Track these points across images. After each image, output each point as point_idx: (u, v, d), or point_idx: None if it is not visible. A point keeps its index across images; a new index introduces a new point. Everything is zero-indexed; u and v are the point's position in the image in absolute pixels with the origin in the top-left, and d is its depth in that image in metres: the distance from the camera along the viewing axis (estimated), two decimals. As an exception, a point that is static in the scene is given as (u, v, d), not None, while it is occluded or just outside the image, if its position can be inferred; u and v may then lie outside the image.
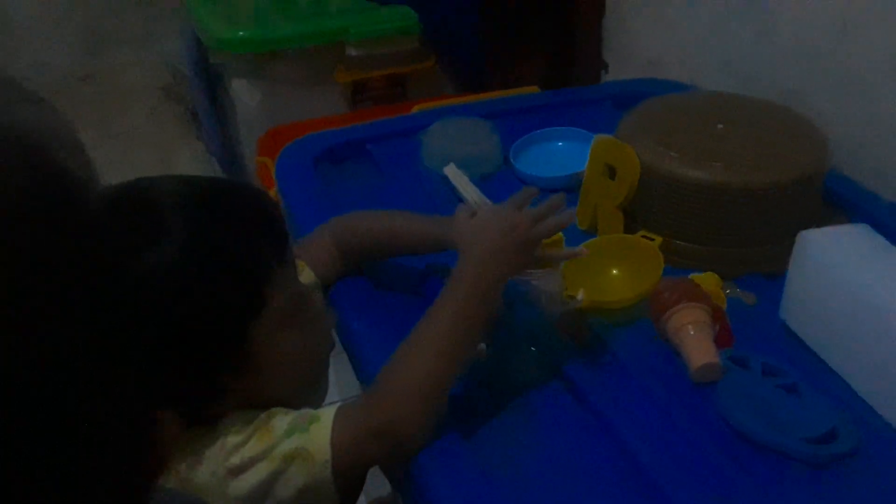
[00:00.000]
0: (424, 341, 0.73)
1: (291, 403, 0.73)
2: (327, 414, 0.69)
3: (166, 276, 0.63)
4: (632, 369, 0.84)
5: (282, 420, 0.68)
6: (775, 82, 1.24)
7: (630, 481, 0.73)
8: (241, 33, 1.81)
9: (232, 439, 0.67)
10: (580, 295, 0.85)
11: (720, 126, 1.04)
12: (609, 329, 0.89)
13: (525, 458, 0.75)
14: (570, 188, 1.13)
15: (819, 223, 0.92)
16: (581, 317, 0.88)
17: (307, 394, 0.78)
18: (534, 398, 0.82)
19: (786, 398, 0.79)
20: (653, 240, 0.97)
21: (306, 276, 0.88)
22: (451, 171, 1.15)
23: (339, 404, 0.70)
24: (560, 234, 0.86)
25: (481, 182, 1.14)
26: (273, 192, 1.38)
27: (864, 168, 1.11)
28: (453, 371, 0.73)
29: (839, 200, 1.06)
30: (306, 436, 0.67)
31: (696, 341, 0.82)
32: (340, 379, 1.10)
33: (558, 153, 1.23)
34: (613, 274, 0.95)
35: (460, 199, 1.12)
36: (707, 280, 0.92)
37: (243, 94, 1.87)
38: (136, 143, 2.57)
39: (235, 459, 0.66)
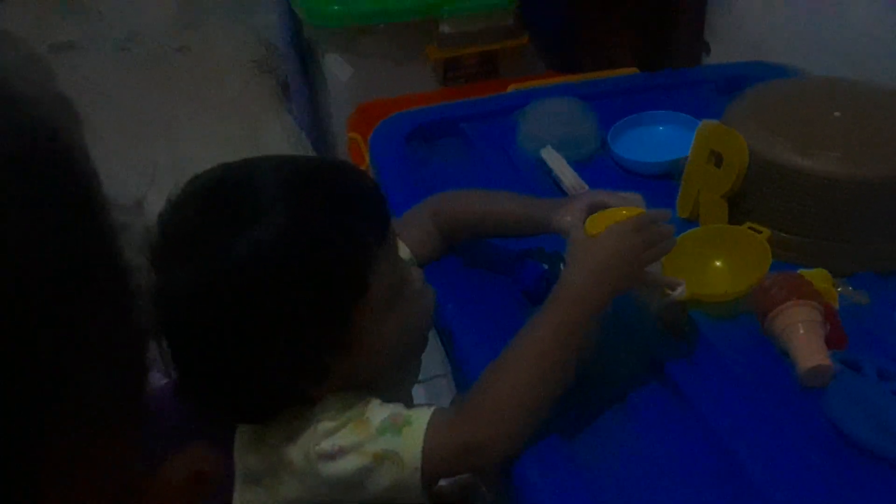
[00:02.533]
0: (525, 357, 0.71)
1: (388, 382, 0.73)
2: (421, 419, 0.68)
3: (266, 259, 0.63)
4: (734, 367, 0.81)
5: (377, 415, 0.68)
6: (895, 69, 1.17)
7: (729, 485, 0.70)
8: (335, 7, 1.81)
9: (325, 424, 0.67)
10: (681, 287, 0.82)
11: (836, 114, 0.98)
12: (710, 324, 0.86)
13: (621, 455, 0.74)
14: (671, 174, 1.09)
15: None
16: (681, 309, 0.85)
17: (404, 373, 0.77)
18: (631, 393, 0.80)
19: (901, 406, 0.75)
20: (760, 232, 0.92)
21: (402, 254, 0.88)
22: (548, 154, 1.12)
23: (433, 409, 0.69)
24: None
25: (578, 165, 1.12)
26: (364, 169, 1.38)
27: None
28: (553, 391, 0.71)
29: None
30: (399, 439, 0.67)
31: (805, 341, 0.78)
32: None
33: (658, 137, 1.19)
34: (716, 266, 0.92)
35: (556, 183, 1.10)
36: (817, 277, 0.88)
37: (335, 68, 1.88)
38: (228, 115, 2.62)
39: (327, 445, 0.66)
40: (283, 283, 0.63)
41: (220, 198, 0.66)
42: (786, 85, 1.11)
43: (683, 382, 0.79)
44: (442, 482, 0.79)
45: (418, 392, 1.39)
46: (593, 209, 0.82)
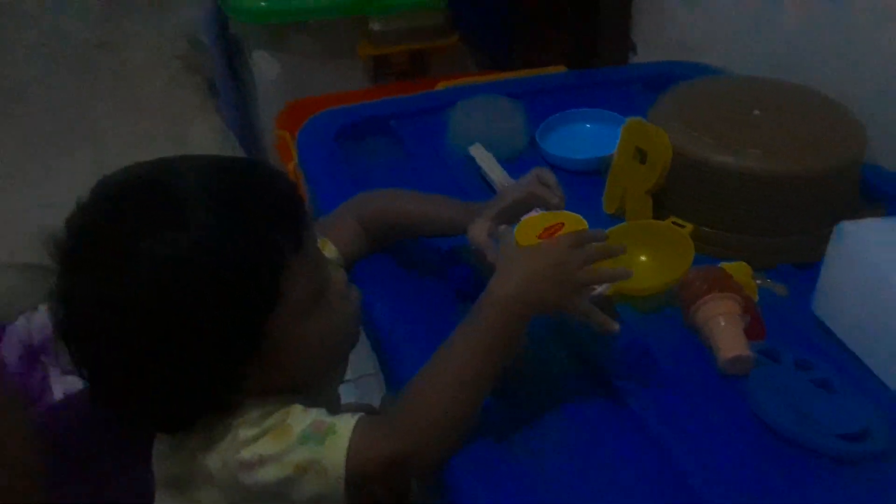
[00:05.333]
0: (449, 368, 0.70)
1: (312, 385, 0.71)
2: (345, 428, 0.67)
3: (175, 268, 0.61)
4: (659, 359, 0.82)
5: (298, 422, 0.66)
6: (812, 69, 1.21)
7: (657, 473, 0.71)
8: (262, 3, 1.79)
9: (245, 432, 0.65)
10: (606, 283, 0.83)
11: (756, 112, 1.01)
12: (636, 317, 0.87)
13: (552, 449, 0.74)
14: (598, 171, 1.11)
15: (855, 215, 0.89)
16: (607, 304, 0.86)
17: (329, 375, 0.76)
18: (560, 387, 0.81)
19: (818, 393, 0.77)
20: (683, 226, 0.94)
21: (328, 253, 0.87)
22: (477, 151, 1.13)
23: (358, 417, 0.68)
24: (584, 223, 0.82)
25: (507, 163, 1.12)
26: (292, 166, 1.36)
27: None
28: (478, 400, 0.71)
29: (877, 193, 1.03)
30: (321, 449, 0.65)
31: (726, 333, 0.80)
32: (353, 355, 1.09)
33: (586, 135, 1.21)
34: (641, 261, 0.93)
35: (485, 180, 1.10)
36: (738, 270, 0.90)
37: (263, 65, 1.85)
38: (152, 114, 2.53)
39: (247, 454, 0.65)
40: (192, 292, 0.61)
41: (129, 201, 0.64)
42: (708, 83, 1.14)
43: (610, 374, 0.80)
44: None
45: (348, 389, 1.38)
46: (506, 213, 0.83)
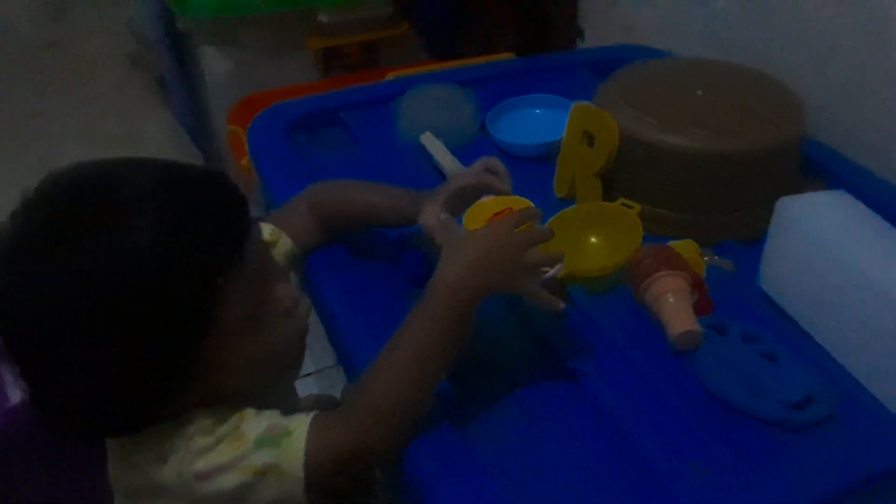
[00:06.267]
0: (401, 355, 0.70)
1: (261, 392, 0.70)
2: (300, 428, 0.66)
3: (112, 278, 0.59)
4: (611, 337, 0.84)
5: (252, 427, 0.66)
6: (754, 49, 1.23)
7: (611, 447, 0.73)
8: (207, -3, 1.76)
9: (199, 441, 0.65)
10: (559, 265, 0.84)
11: (699, 92, 1.03)
12: (588, 298, 0.89)
13: (508, 430, 0.75)
14: (548, 156, 1.12)
15: (797, 189, 0.92)
16: (559, 286, 0.87)
17: (278, 381, 0.75)
18: (514, 368, 0.82)
19: (764, 364, 0.79)
20: (632, 207, 0.96)
21: (284, 245, 0.87)
22: (427, 140, 1.13)
23: (312, 416, 0.68)
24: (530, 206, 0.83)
25: (457, 150, 1.13)
26: (245, 162, 1.35)
27: (840, 135, 1.11)
28: (431, 387, 0.71)
29: (817, 167, 1.06)
30: (278, 451, 0.65)
31: (675, 309, 0.82)
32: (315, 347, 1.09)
33: (535, 120, 1.22)
34: (592, 242, 0.95)
35: (437, 168, 1.11)
36: (686, 247, 0.92)
37: (212, 61, 1.83)
38: (102, 112, 2.51)
39: (201, 465, 0.64)
40: (123, 303, 0.59)
41: (74, 202, 0.62)
42: (652, 66, 1.16)
43: (564, 354, 0.82)
44: None
45: (310, 382, 1.38)
46: (455, 199, 0.84)
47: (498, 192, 0.85)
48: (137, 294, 0.60)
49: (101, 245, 0.59)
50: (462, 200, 0.86)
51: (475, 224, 0.79)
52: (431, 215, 0.83)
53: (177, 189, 0.64)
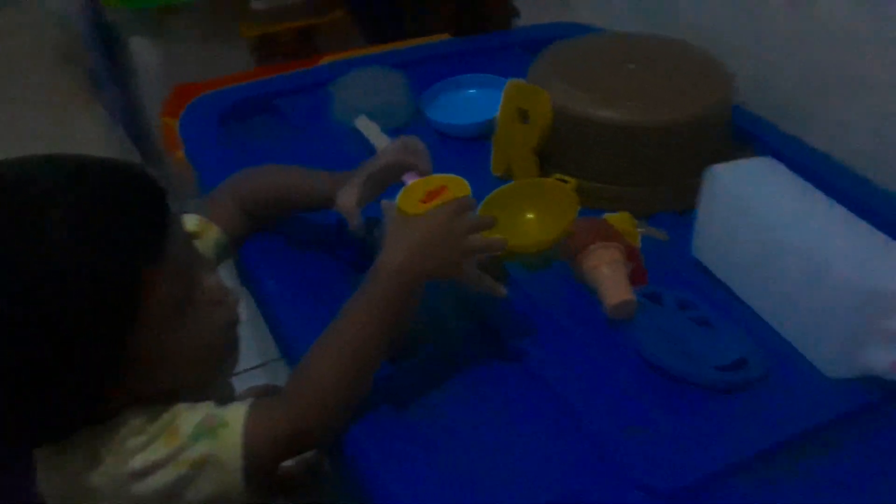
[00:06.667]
0: (341, 338, 0.70)
1: (196, 390, 0.69)
2: (236, 418, 0.66)
3: (27, 280, 0.57)
4: (550, 311, 0.84)
5: (187, 421, 0.65)
6: (685, 22, 1.25)
7: (553, 420, 0.74)
8: (134, -13, 1.72)
9: (133, 441, 0.63)
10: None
11: (630, 66, 1.04)
12: (526, 273, 0.89)
13: (447, 406, 0.75)
14: (484, 135, 1.12)
15: (728, 158, 0.93)
16: (496, 265, 0.87)
17: (212, 377, 0.74)
18: (454, 347, 0.82)
19: (698, 330, 0.81)
20: (567, 182, 0.97)
21: (212, 235, 0.85)
22: (363, 123, 1.12)
23: (249, 404, 0.67)
24: (466, 184, 0.84)
25: (394, 133, 1.12)
26: (181, 154, 1.33)
27: (771, 104, 1.14)
28: (370, 370, 0.71)
29: (748, 137, 1.08)
30: (215, 442, 0.64)
31: (610, 280, 0.83)
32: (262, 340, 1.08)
33: (471, 100, 1.22)
34: (529, 218, 0.95)
35: (372, 152, 1.10)
36: (620, 220, 0.93)
37: (142, 52, 1.79)
38: (33, 109, 2.44)
39: (137, 463, 0.63)
40: (41, 306, 0.58)
41: None
42: (583, 42, 1.16)
43: (503, 329, 0.82)
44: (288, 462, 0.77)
45: (256, 375, 1.36)
46: (373, 179, 0.83)
47: (418, 171, 0.85)
48: (57, 291, 0.58)
49: (15, 243, 0.58)
50: (382, 181, 0.85)
51: (409, 204, 0.78)
52: (348, 198, 0.83)
53: (91, 182, 0.62)
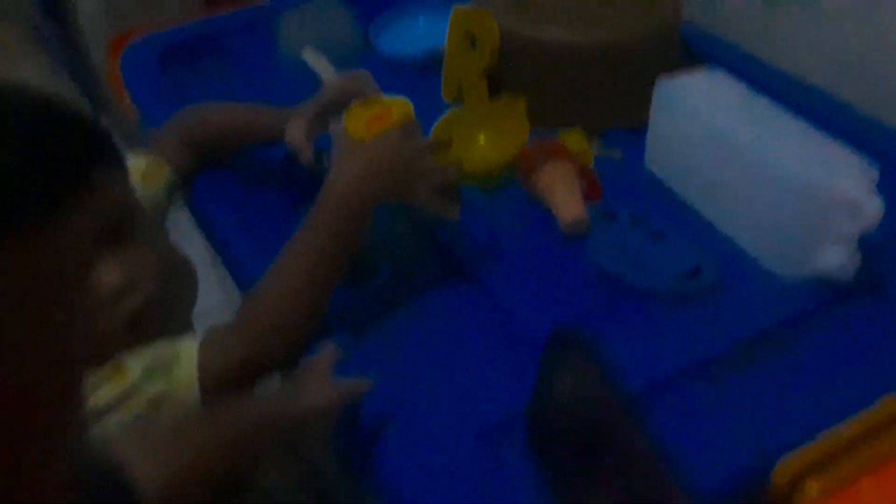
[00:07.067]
0: (292, 264, 0.70)
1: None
2: (189, 353, 0.65)
3: None
4: (505, 230, 0.84)
5: (135, 360, 0.63)
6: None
7: (506, 334, 0.74)
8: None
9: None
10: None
11: (576, -16, 1.02)
12: (481, 196, 0.89)
13: (401, 328, 0.75)
14: (435, 63, 1.10)
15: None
16: (450, 188, 0.86)
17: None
18: (412, 270, 0.82)
19: (653, 243, 0.82)
20: (517, 103, 0.95)
21: (164, 174, 0.84)
22: (310, 55, 1.10)
23: (202, 336, 0.66)
24: (409, 106, 0.82)
25: (342, 64, 1.10)
26: (128, 100, 1.29)
27: (721, 20, 1.12)
28: (324, 292, 0.71)
29: (696, 51, 1.07)
30: (169, 378, 0.63)
31: (564, 198, 0.83)
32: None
33: (419, 28, 1.20)
34: (481, 141, 0.94)
35: (321, 84, 1.08)
36: (573, 138, 0.93)
37: (83, -1, 1.73)
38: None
39: (90, 404, 0.60)
40: None
41: None
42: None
43: (460, 252, 0.82)
44: None
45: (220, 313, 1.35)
46: (322, 111, 0.82)
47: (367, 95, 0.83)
48: None
49: None
50: (329, 113, 0.84)
51: (355, 127, 0.77)
52: (297, 130, 0.82)
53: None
